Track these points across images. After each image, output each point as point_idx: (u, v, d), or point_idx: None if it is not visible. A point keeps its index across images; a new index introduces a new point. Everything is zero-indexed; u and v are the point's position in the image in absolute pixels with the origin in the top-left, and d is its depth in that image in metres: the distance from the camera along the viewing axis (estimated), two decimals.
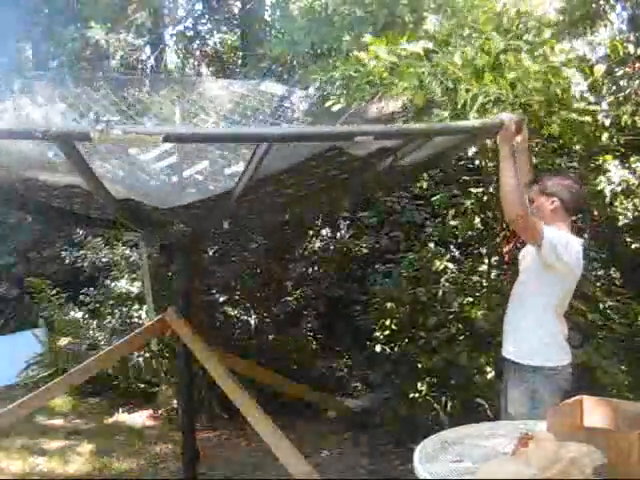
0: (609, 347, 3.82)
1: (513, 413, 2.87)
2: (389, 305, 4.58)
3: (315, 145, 2.63)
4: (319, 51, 5.13)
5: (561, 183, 2.97)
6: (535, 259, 2.93)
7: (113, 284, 6.29)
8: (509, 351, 2.98)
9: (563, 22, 3.93)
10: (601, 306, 3.96)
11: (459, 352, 4.06)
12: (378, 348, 4.82)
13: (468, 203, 4.56)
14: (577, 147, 4.20)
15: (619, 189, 4.15)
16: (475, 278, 4.39)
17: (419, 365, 4.27)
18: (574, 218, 3.26)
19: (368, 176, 3.02)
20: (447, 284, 4.41)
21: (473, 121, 2.98)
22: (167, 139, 2.27)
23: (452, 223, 4.62)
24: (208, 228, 3.50)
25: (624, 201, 4.35)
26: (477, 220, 4.53)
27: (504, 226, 4.77)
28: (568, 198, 2.93)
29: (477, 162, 4.79)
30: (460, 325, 4.24)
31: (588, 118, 3.62)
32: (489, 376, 4.08)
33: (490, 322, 3.94)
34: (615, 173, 4.06)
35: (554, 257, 2.80)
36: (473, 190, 4.66)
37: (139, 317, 6.00)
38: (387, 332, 4.70)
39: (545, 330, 2.89)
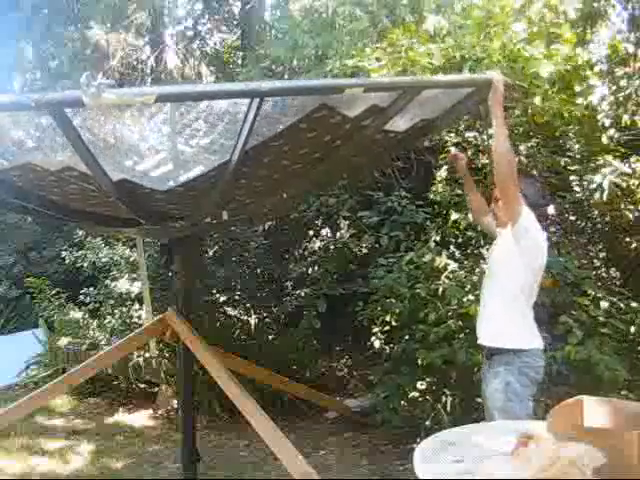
0: (611, 344, 3.82)
1: (490, 408, 2.91)
2: (389, 300, 4.57)
3: (306, 104, 2.61)
4: (320, 52, 5.15)
5: (523, 180, 3.02)
6: (503, 248, 2.97)
7: (113, 284, 6.28)
8: (483, 337, 3.03)
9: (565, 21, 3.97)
10: (603, 305, 3.96)
11: (458, 348, 4.06)
12: (377, 344, 4.82)
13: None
14: (577, 145, 4.20)
15: (619, 189, 4.15)
16: (475, 278, 4.38)
17: (419, 362, 4.26)
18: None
19: (362, 142, 2.95)
20: (447, 281, 4.40)
21: (462, 75, 3.03)
22: (159, 99, 2.25)
23: (453, 219, 4.61)
24: (207, 214, 3.43)
25: (624, 201, 4.35)
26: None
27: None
28: (531, 194, 2.99)
29: (477, 162, 4.79)
30: (460, 322, 4.23)
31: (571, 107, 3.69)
32: None
33: None
34: (615, 173, 4.06)
35: (526, 236, 2.84)
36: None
37: (139, 317, 6.00)
38: (387, 328, 4.70)
39: (516, 313, 2.92)
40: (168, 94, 2.52)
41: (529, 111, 4.02)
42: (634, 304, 4.05)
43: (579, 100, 4.01)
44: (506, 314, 2.93)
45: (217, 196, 3.05)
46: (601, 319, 3.91)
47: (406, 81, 2.99)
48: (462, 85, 2.92)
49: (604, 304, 3.95)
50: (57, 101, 2.22)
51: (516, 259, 2.89)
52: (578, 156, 4.33)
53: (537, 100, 3.72)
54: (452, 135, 4.67)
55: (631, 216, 4.37)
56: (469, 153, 4.70)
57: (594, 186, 4.08)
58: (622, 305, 4.01)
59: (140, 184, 3.04)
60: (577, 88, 3.97)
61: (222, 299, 6.26)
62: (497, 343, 2.94)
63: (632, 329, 3.96)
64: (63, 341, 6.34)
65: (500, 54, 3.66)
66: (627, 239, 4.66)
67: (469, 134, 4.49)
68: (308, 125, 2.66)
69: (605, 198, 4.10)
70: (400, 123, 3.08)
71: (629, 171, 4.08)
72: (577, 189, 4.40)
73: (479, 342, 3.08)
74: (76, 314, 6.57)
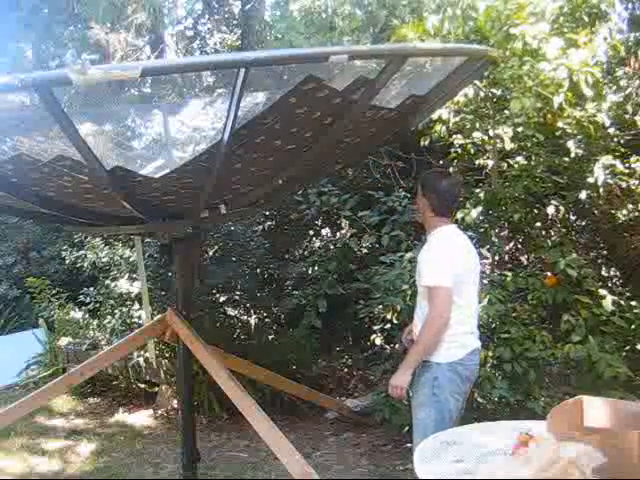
0: (613, 343, 3.82)
1: (413, 400, 2.98)
2: (390, 297, 4.56)
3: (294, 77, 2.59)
4: None
5: (434, 183, 3.06)
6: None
7: (113, 284, 6.28)
8: None
9: (565, 21, 3.97)
10: (605, 303, 3.96)
11: None
12: (378, 341, 4.80)
13: (470, 202, 4.55)
14: (576, 146, 4.20)
15: (619, 189, 4.15)
16: None
17: None
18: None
19: (353, 119, 2.90)
20: None
21: (449, 44, 3.04)
22: (145, 73, 2.23)
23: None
24: (205, 206, 3.40)
25: (624, 200, 4.34)
26: (478, 216, 4.51)
27: (505, 225, 4.77)
28: (441, 197, 3.03)
29: (478, 162, 4.78)
30: None
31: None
32: (488, 373, 4.06)
33: (490, 315, 3.94)
34: (609, 170, 4.07)
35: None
36: (475, 190, 4.65)
37: (139, 317, 6.00)
38: (388, 326, 4.69)
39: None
40: (154, 67, 2.50)
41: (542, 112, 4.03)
42: (634, 303, 4.05)
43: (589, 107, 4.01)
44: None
45: (213, 182, 3.00)
46: (603, 317, 3.91)
47: (391, 48, 2.98)
48: (447, 54, 2.91)
49: (606, 302, 3.94)
50: (44, 80, 2.16)
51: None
52: (578, 154, 4.31)
53: (555, 103, 3.76)
54: (459, 136, 4.66)
55: (631, 216, 4.37)
56: (472, 152, 4.70)
57: (591, 180, 4.08)
58: (623, 303, 4.01)
59: (134, 171, 3.01)
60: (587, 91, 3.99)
61: (222, 299, 6.26)
62: (426, 357, 2.98)
63: (633, 328, 3.95)
64: (63, 341, 6.34)
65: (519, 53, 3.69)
66: (627, 239, 4.66)
67: (476, 134, 4.47)
68: (297, 100, 2.60)
69: (601, 193, 4.10)
70: (390, 99, 3.06)
71: (629, 174, 4.08)
72: (577, 189, 4.39)
73: None
74: (76, 314, 6.57)
